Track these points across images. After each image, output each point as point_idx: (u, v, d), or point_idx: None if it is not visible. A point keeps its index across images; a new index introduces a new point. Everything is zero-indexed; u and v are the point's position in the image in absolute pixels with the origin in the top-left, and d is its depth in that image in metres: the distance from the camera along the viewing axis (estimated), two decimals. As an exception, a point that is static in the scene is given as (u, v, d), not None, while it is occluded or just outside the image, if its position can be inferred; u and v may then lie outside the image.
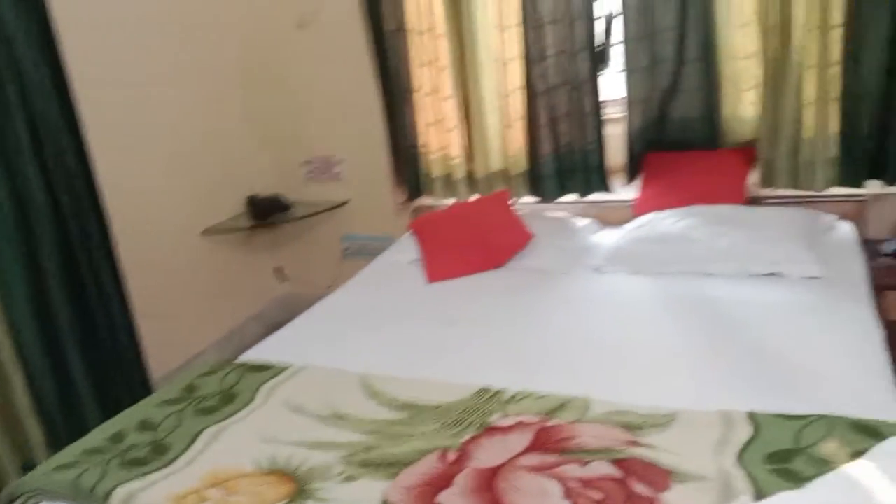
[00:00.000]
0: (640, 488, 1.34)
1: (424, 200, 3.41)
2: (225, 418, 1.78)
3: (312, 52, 3.44)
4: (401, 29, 3.14)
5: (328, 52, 3.41)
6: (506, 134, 3.13)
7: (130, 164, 2.96)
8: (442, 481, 1.43)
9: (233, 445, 1.67)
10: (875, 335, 1.86)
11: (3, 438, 2.41)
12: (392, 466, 1.50)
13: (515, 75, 3.04)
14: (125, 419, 1.83)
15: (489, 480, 1.42)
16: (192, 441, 1.69)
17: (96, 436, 1.76)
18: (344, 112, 3.47)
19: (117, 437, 1.73)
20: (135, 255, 2.89)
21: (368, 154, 3.47)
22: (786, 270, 2.27)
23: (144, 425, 1.78)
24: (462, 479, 1.43)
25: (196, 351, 3.28)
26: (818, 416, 1.47)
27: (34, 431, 2.47)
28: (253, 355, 2.18)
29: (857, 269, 2.29)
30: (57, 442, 2.49)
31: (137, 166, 3.00)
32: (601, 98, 2.97)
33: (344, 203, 3.58)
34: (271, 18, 3.46)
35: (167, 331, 3.08)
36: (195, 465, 1.60)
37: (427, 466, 1.49)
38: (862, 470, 1.28)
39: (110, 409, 2.60)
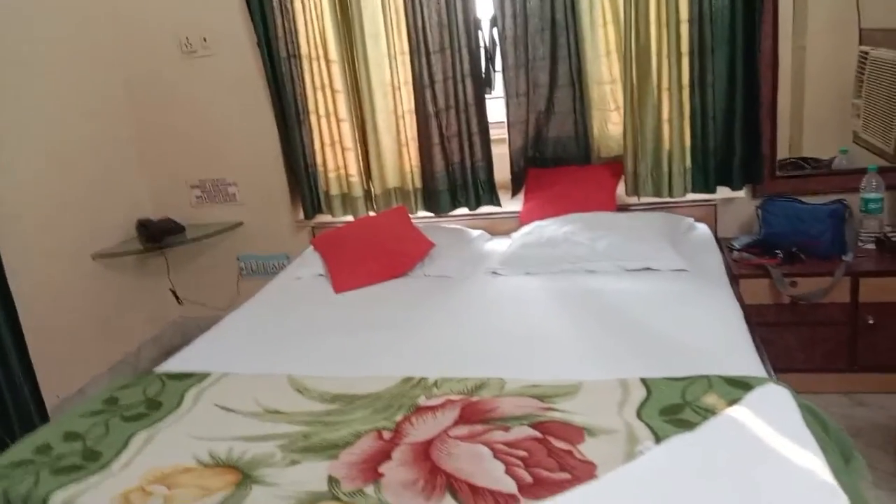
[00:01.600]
0: (558, 444, 1.51)
1: (322, 218, 3.46)
2: (154, 423, 1.79)
3: (203, 77, 3.46)
4: (294, 55, 3.22)
5: (220, 77, 3.44)
6: (400, 153, 3.27)
7: (18, 189, 2.88)
8: (382, 456, 1.53)
9: (168, 446, 1.68)
10: (736, 314, 2.16)
11: None
12: (332, 448, 1.58)
13: (407, 99, 3.20)
14: (48, 432, 1.79)
15: (425, 451, 1.54)
16: (124, 446, 1.69)
17: (21, 449, 1.71)
18: (238, 135, 3.50)
19: (44, 449, 1.70)
20: (25, 281, 2.80)
21: (264, 175, 3.50)
22: (657, 265, 2.54)
23: (70, 436, 1.75)
24: (400, 453, 1.54)
25: (90, 377, 3.17)
26: (698, 376, 1.70)
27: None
28: (169, 367, 2.17)
29: (715, 262, 2.62)
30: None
31: (25, 191, 2.92)
32: (489, 119, 3.18)
33: (239, 224, 3.60)
34: (158, 45, 3.45)
35: (60, 357, 2.98)
36: (132, 466, 1.60)
37: (366, 445, 1.58)
38: (738, 413, 1.53)
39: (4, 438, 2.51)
